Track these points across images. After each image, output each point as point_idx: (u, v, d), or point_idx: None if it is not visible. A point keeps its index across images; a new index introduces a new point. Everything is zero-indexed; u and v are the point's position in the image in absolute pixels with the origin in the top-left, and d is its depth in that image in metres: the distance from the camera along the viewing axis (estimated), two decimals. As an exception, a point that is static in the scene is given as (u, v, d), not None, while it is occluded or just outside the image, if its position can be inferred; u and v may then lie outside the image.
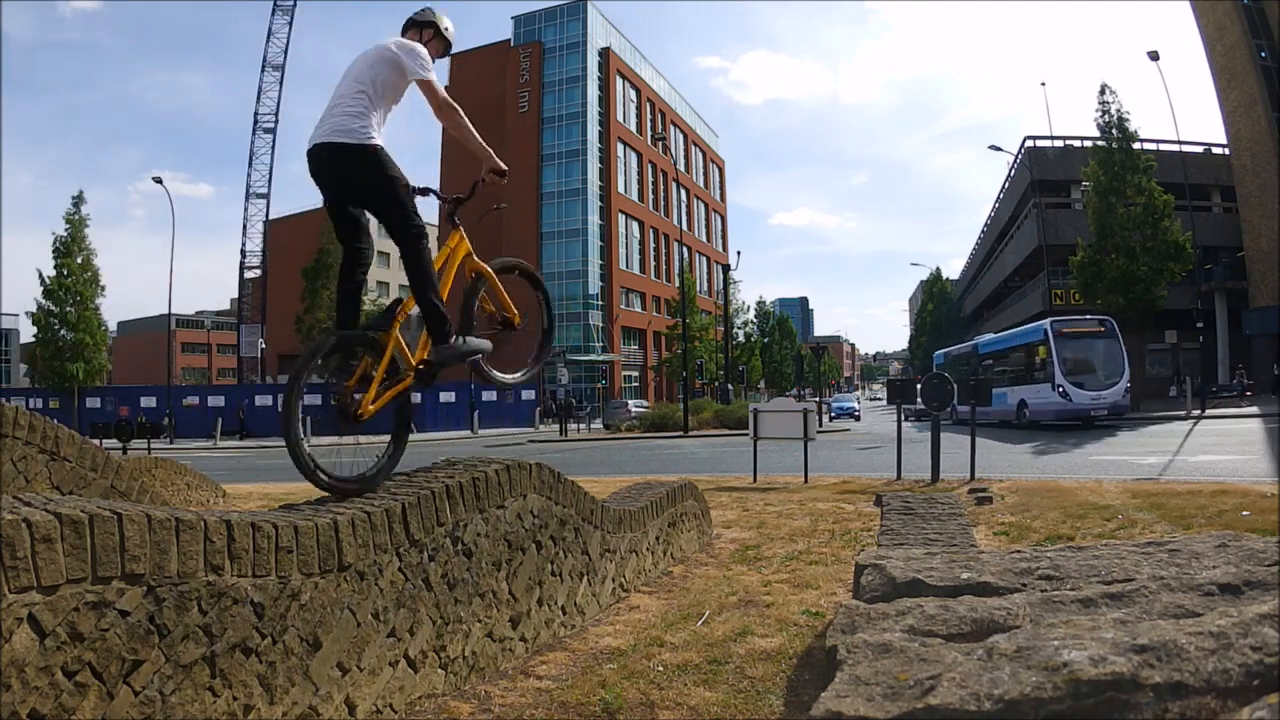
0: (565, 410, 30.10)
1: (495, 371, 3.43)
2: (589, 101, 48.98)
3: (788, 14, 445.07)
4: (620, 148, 51.47)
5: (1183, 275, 24.53)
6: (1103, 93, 25.45)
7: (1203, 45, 31.58)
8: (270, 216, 44.74)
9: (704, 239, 64.25)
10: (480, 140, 3.08)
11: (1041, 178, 33.11)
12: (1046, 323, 19.30)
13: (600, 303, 48.73)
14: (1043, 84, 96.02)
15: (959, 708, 1.46)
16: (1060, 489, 7.48)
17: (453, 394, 33.66)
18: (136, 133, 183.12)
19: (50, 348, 31.70)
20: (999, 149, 32.44)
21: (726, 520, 6.60)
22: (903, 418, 10.44)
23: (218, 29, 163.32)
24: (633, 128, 53.58)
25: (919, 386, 9.52)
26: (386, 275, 59.18)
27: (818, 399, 35.07)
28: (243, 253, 43.75)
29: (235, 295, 47.13)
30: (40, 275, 31.39)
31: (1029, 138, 35.17)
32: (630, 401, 36.62)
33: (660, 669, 2.93)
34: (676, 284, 46.68)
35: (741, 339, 52.84)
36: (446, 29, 3.19)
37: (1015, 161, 36.40)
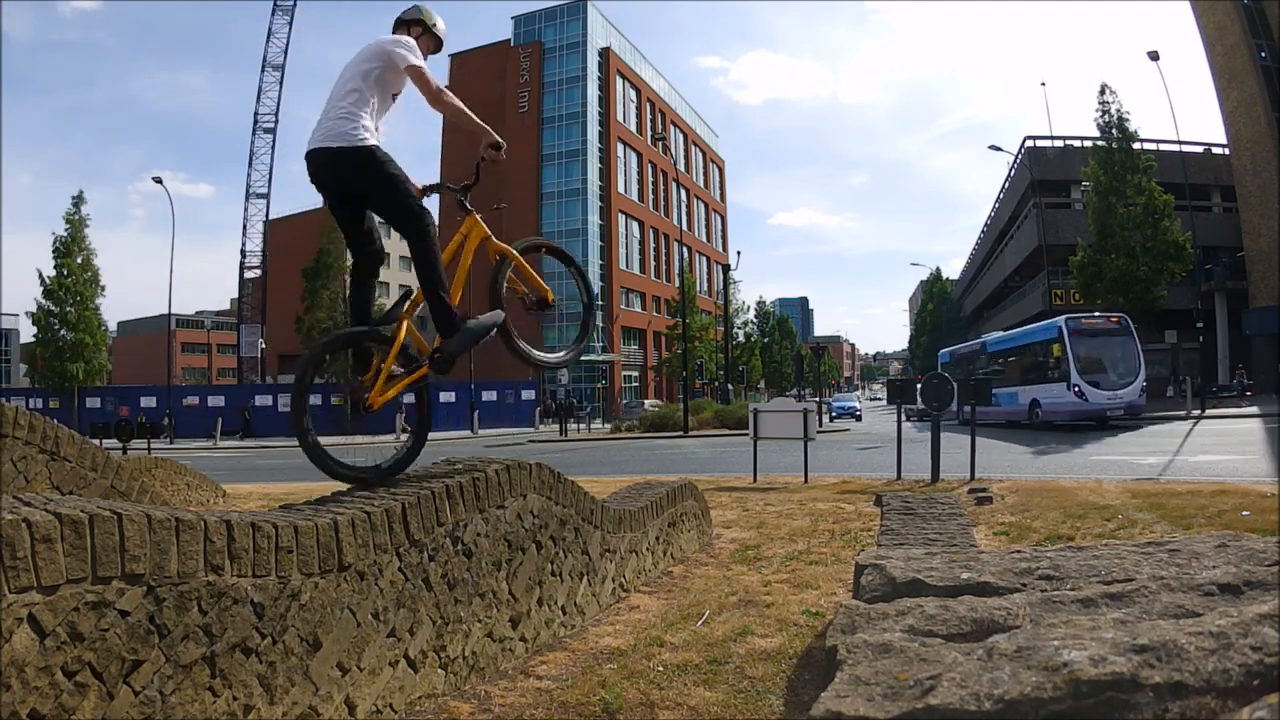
0: (565, 410, 30.09)
1: (534, 351, 3.42)
2: (589, 101, 48.98)
3: (788, 14, 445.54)
4: (620, 148, 51.47)
5: (1183, 275, 24.56)
6: (1103, 93, 25.54)
7: (1203, 45, 31.60)
8: (270, 216, 44.77)
9: (704, 239, 64.25)
10: (475, 118, 3.08)
11: (1041, 178, 33.13)
12: (1061, 320, 18.74)
13: (600, 303, 48.70)
14: (1043, 84, 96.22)
15: (959, 708, 1.46)
16: (1060, 489, 7.48)
17: (453, 394, 33.68)
18: (136, 133, 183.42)
19: (50, 348, 31.71)
20: (999, 149, 32.47)
21: (726, 520, 6.60)
22: (905, 418, 10.42)
23: (218, 29, 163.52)
24: (633, 128, 53.59)
25: (919, 386, 9.52)
26: (385, 274, 59.16)
27: (818, 399, 35.08)
28: (243, 253, 43.79)
29: (235, 295, 47.16)
30: (40, 275, 31.47)
31: (1029, 138, 35.24)
32: (646, 401, 37.14)
33: (660, 669, 2.93)
34: (676, 284, 46.69)
35: (741, 339, 52.85)
36: (435, 25, 3.18)
37: (1015, 161, 36.42)
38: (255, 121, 43.01)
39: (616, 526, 4.14)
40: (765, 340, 60.56)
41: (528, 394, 36.16)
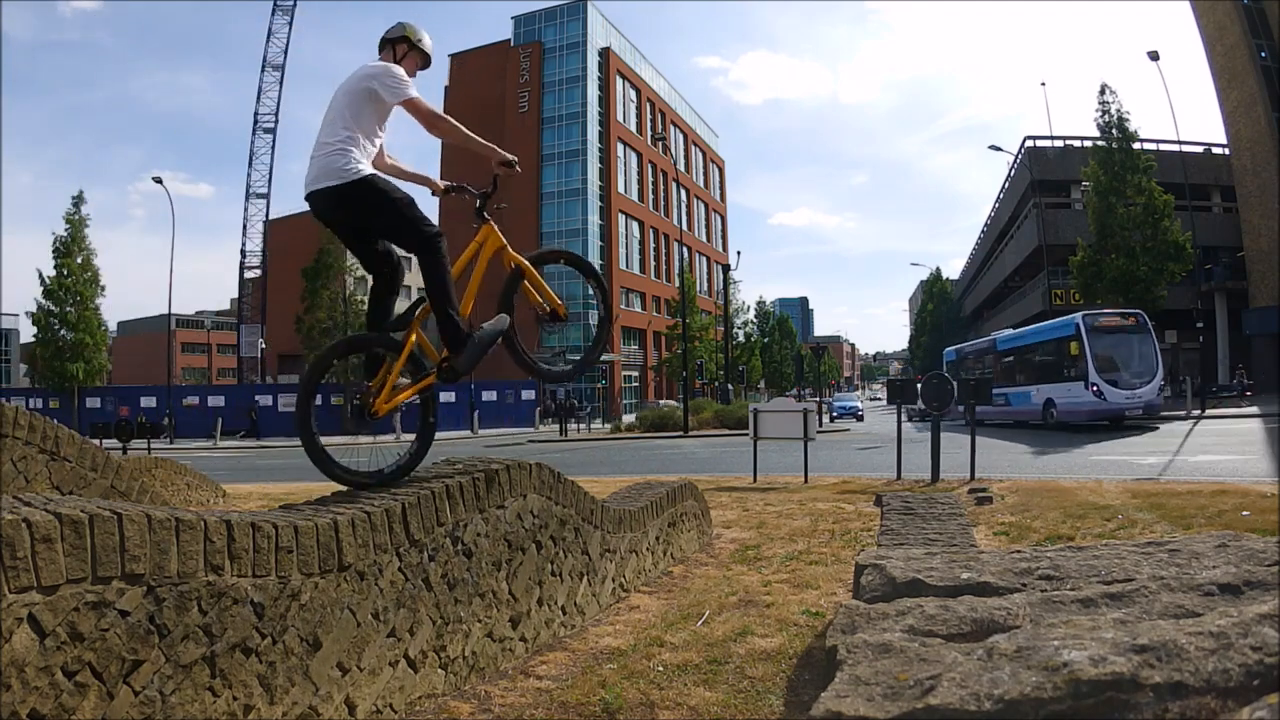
0: (565, 410, 30.07)
1: (541, 362, 3.45)
2: (589, 101, 48.97)
3: (788, 14, 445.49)
4: (620, 148, 51.46)
5: (1183, 275, 24.54)
6: (1103, 93, 25.49)
7: (1203, 45, 31.59)
8: (270, 216, 44.74)
9: (704, 239, 64.24)
10: (479, 139, 3.08)
11: (1041, 178, 33.13)
12: (1078, 316, 18.14)
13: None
14: (1043, 84, 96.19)
15: (959, 708, 1.46)
16: (1060, 489, 7.48)
17: (452, 394, 33.66)
18: (136, 133, 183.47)
19: (50, 348, 31.70)
20: (999, 149, 32.45)
21: (726, 520, 6.60)
22: (907, 418, 10.40)
23: (218, 29, 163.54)
24: (633, 128, 53.58)
25: (919, 386, 9.52)
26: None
27: (818, 399, 35.08)
28: (243, 253, 43.78)
29: (235, 295, 47.14)
30: (40, 275, 31.42)
31: (1029, 138, 35.22)
32: (661, 401, 37.42)
33: (660, 669, 2.93)
34: (676, 284, 46.68)
35: (741, 339, 52.84)
36: (420, 41, 3.11)
37: (1015, 161, 36.42)
38: (255, 121, 43.04)
39: (616, 526, 4.14)
40: (765, 340, 60.53)
41: (528, 394, 36.16)
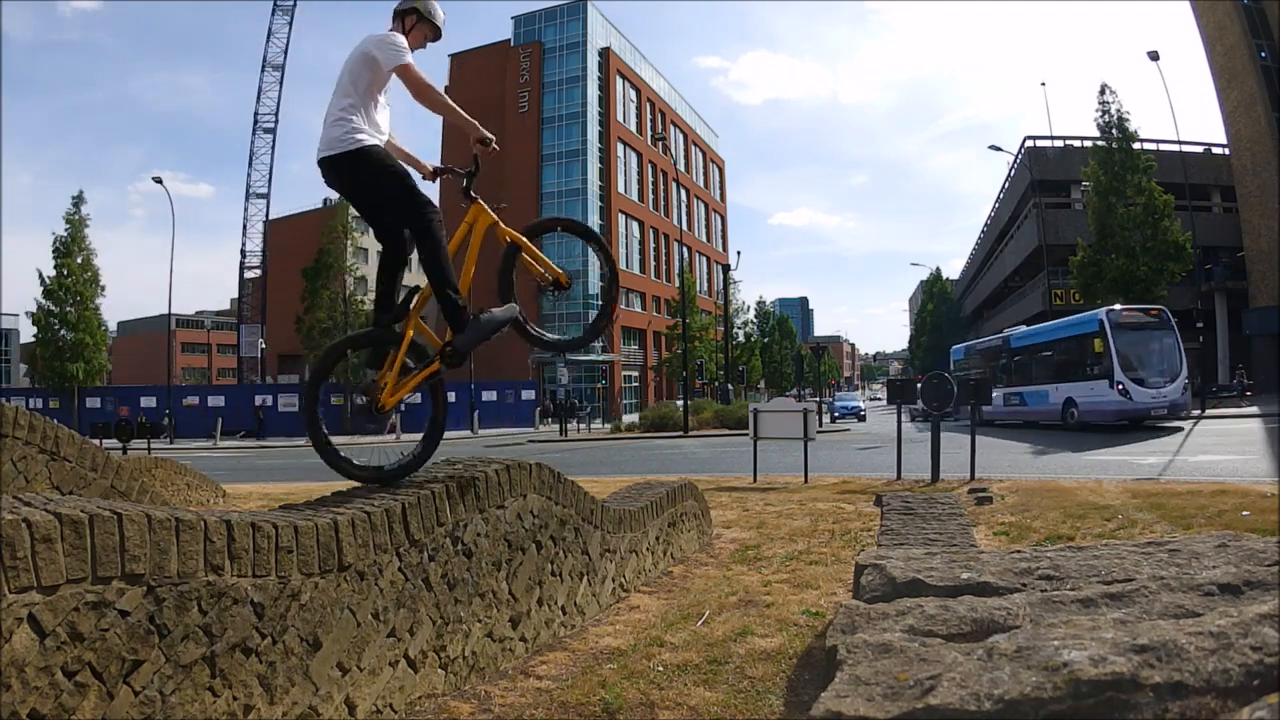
0: (565, 410, 30.06)
1: (548, 334, 3.45)
2: (589, 101, 48.95)
3: (788, 14, 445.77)
4: (620, 148, 51.44)
5: (1183, 275, 24.54)
6: (1103, 93, 25.50)
7: (1203, 45, 31.61)
8: (270, 216, 44.74)
9: (704, 239, 64.22)
10: (462, 112, 3.07)
11: (1041, 178, 33.14)
12: (1101, 312, 17.39)
13: (599, 301, 48.71)
14: (1043, 84, 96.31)
15: (959, 708, 1.46)
16: (1060, 489, 7.48)
17: (452, 394, 33.65)
18: (136, 133, 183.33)
19: (50, 348, 31.70)
20: (999, 149, 32.47)
21: (726, 520, 6.60)
22: (909, 418, 10.39)
23: (218, 29, 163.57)
24: (633, 128, 53.56)
25: (919, 386, 9.52)
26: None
27: (818, 399, 35.06)
28: (243, 253, 43.77)
29: (235, 295, 47.13)
30: (40, 275, 31.44)
31: (1029, 138, 35.25)
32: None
33: (660, 669, 2.93)
34: (676, 284, 46.66)
35: (741, 339, 52.83)
36: (429, 12, 3.11)
37: (1015, 161, 36.43)
38: (255, 121, 43.03)
39: (616, 526, 4.14)
40: (765, 340, 60.53)
41: (528, 394, 36.16)
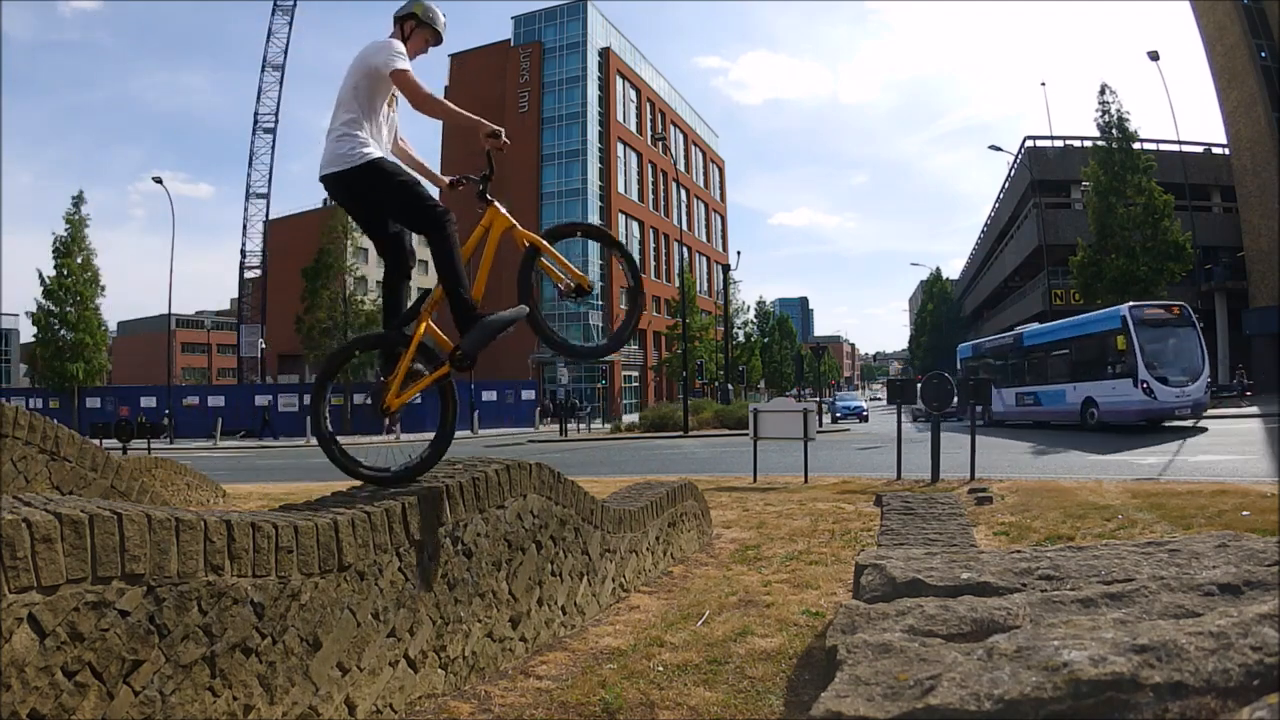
0: (565, 410, 30.06)
1: (573, 341, 3.42)
2: (589, 101, 48.95)
3: (788, 14, 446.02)
4: (620, 148, 51.43)
5: (1183, 275, 24.54)
6: (1103, 93, 25.50)
7: (1203, 45, 31.60)
8: (270, 216, 44.75)
9: (704, 239, 64.21)
10: (464, 113, 3.05)
11: (1041, 178, 33.14)
12: (1124, 308, 16.77)
13: (600, 303, 48.71)
14: (1043, 84, 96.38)
15: (959, 708, 1.46)
16: (1060, 489, 7.48)
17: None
18: (136, 133, 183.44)
19: (50, 348, 31.69)
20: (999, 149, 32.54)
21: (726, 520, 6.60)
22: (911, 419, 10.38)
23: (218, 29, 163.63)
24: (633, 128, 53.56)
25: (919, 386, 9.52)
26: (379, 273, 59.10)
27: (818, 399, 35.06)
28: (243, 253, 43.78)
29: (235, 295, 47.15)
30: (40, 275, 31.42)
31: (1029, 138, 35.25)
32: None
33: (660, 669, 2.93)
34: (676, 284, 46.66)
35: (741, 339, 52.83)
36: (428, 17, 3.08)
37: (1015, 161, 36.43)
38: (255, 121, 43.04)
39: (616, 526, 4.14)
40: (765, 340, 60.54)
41: (528, 394, 36.15)
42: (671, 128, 59.13)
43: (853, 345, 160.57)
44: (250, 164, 43.32)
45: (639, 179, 54.39)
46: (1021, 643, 1.68)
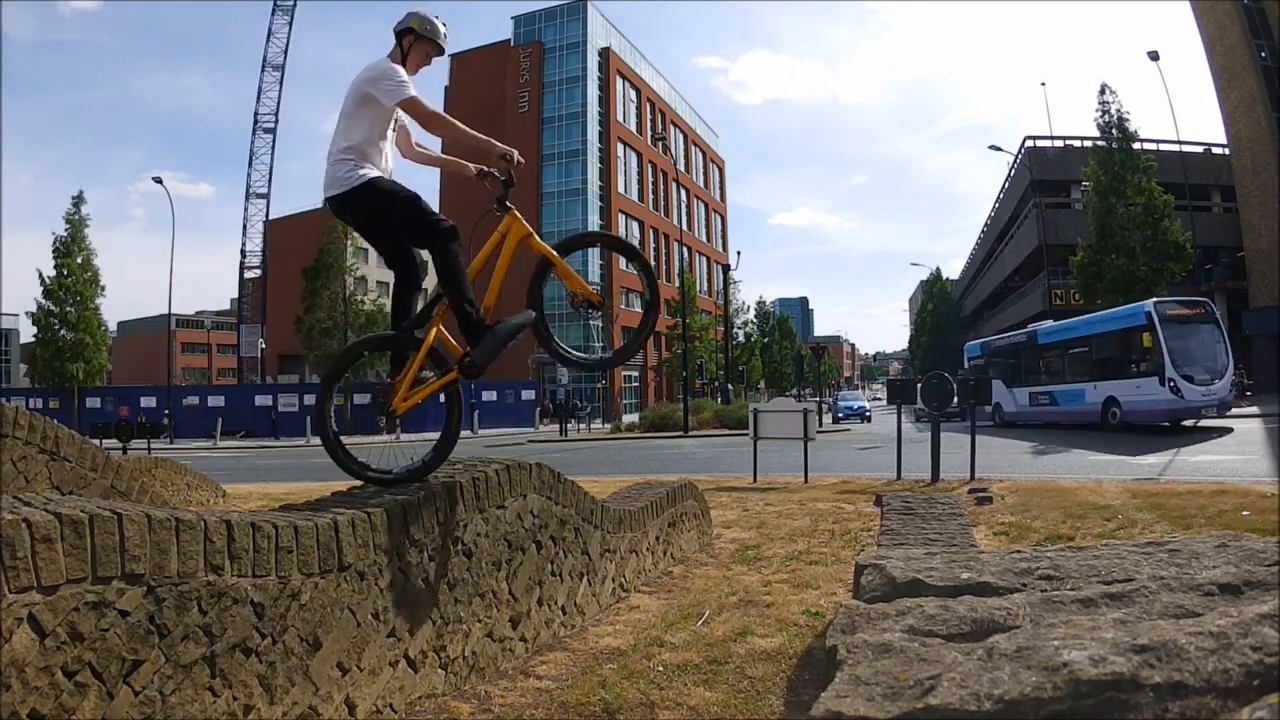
0: (565, 410, 30.06)
1: (575, 351, 3.41)
2: (589, 101, 48.96)
3: (788, 14, 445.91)
4: (620, 148, 51.44)
5: (1183, 275, 24.53)
6: (1103, 93, 25.47)
7: (1203, 45, 31.60)
8: (270, 216, 44.72)
9: (704, 239, 64.21)
10: (475, 134, 3.06)
11: (1041, 178, 33.15)
12: (1149, 304, 16.22)
13: (605, 304, 48.72)
14: (1043, 84, 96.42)
15: (959, 708, 1.46)
16: (1060, 489, 7.48)
17: (453, 394, 33.59)
18: (136, 133, 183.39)
19: (50, 348, 31.70)
20: (999, 149, 32.53)
21: (726, 520, 6.60)
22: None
23: (218, 29, 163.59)
24: (633, 128, 53.56)
25: (919, 386, 9.52)
26: (387, 275, 59.15)
27: (818, 399, 35.06)
28: (243, 253, 43.76)
29: (235, 295, 47.13)
30: (40, 275, 31.44)
31: (1029, 138, 35.26)
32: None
33: (660, 669, 2.93)
34: (676, 284, 46.66)
35: (741, 339, 52.83)
36: (428, 30, 3.04)
37: (1015, 161, 36.44)
38: (255, 121, 43.01)
39: (616, 526, 4.14)
40: (765, 340, 60.54)
41: (528, 394, 36.14)
42: (671, 128, 59.13)
43: (853, 345, 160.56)
44: (250, 164, 43.34)
45: (639, 179, 54.40)
46: (1021, 643, 1.67)
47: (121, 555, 1.74)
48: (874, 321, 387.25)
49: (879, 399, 52.62)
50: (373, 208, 2.91)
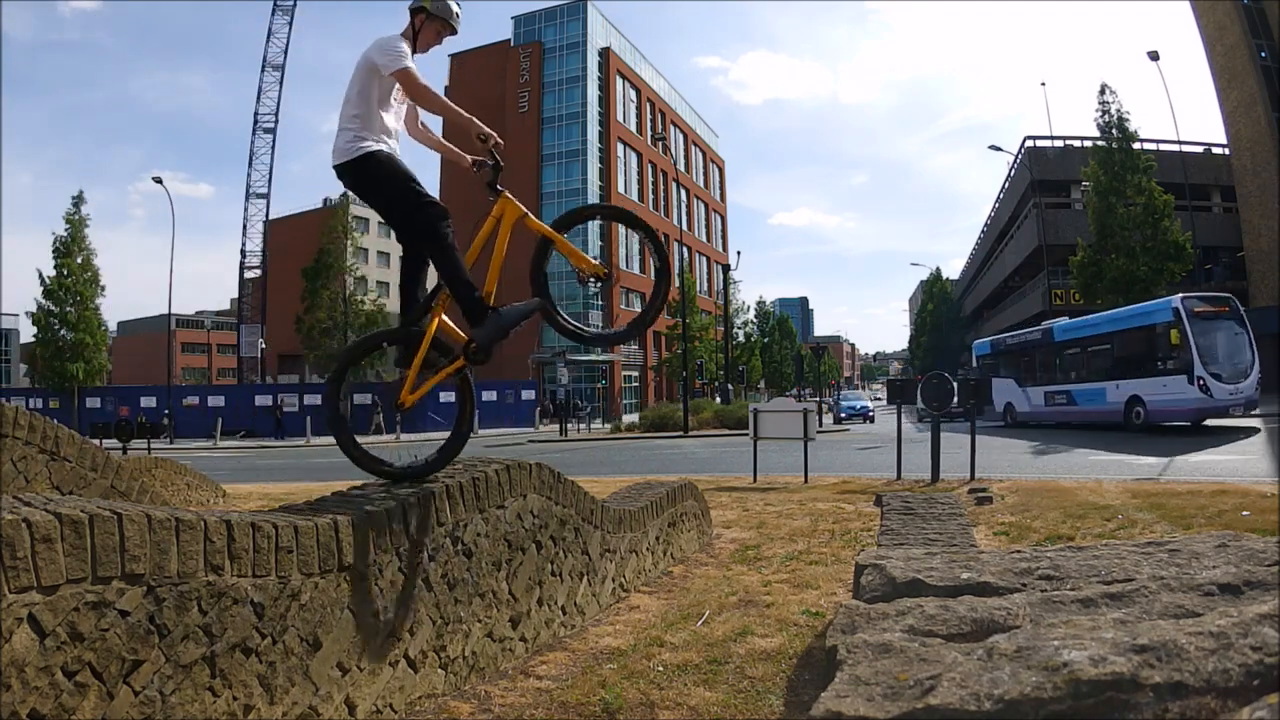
0: (565, 410, 30.06)
1: (585, 326, 3.40)
2: (589, 101, 48.96)
3: (788, 14, 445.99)
4: (620, 148, 51.45)
5: (1183, 275, 24.52)
6: (1103, 93, 25.47)
7: (1203, 45, 31.60)
8: (270, 216, 44.67)
9: (704, 239, 64.22)
10: (459, 111, 3.06)
11: (1041, 178, 33.15)
12: (1176, 300, 15.70)
13: (600, 303, 48.75)
14: (1043, 84, 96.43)
15: (959, 708, 1.46)
16: (1060, 489, 7.48)
17: (452, 394, 33.53)
18: (136, 133, 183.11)
19: (50, 348, 31.71)
20: (999, 149, 32.52)
21: (726, 520, 6.60)
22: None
23: (218, 29, 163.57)
24: (633, 128, 53.57)
25: (919, 386, 9.52)
26: (387, 275, 59.16)
27: (818, 399, 35.06)
28: (243, 253, 43.72)
29: (235, 295, 47.07)
30: (40, 275, 31.45)
31: (1029, 138, 35.25)
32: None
33: (660, 669, 2.93)
34: (676, 284, 46.67)
35: (741, 339, 52.83)
36: (438, 9, 3.05)
37: (1015, 161, 36.43)
38: (255, 121, 42.96)
39: (616, 526, 4.14)
40: (765, 340, 60.54)
41: (528, 394, 36.13)
42: (671, 128, 59.14)
43: (853, 345, 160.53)
44: (250, 164, 43.27)
45: (639, 179, 54.41)
46: (1021, 643, 1.68)
47: (121, 555, 1.74)
48: (874, 321, 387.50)
49: (879, 399, 52.66)
50: (368, 182, 2.96)
